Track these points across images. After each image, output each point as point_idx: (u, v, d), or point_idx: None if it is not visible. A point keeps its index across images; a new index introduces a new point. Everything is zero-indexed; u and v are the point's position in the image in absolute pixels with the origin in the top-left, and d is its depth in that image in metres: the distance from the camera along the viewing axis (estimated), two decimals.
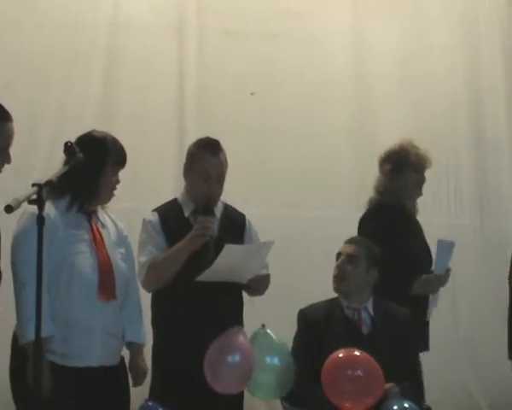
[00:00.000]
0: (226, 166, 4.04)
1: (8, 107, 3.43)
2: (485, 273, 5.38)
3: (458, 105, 5.80)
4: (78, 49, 5.30)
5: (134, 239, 3.90)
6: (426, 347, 4.39)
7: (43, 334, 3.04)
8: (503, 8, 5.95)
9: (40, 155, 5.05)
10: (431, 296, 4.24)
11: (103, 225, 3.64)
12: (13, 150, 3.52)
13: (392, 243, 4.17)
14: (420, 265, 4.27)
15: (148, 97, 5.32)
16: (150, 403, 3.61)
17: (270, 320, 4.02)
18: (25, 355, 3.28)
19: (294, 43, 5.56)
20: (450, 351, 5.28)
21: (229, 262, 3.74)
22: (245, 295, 4.07)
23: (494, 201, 5.31)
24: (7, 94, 5.01)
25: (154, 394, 3.85)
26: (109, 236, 3.63)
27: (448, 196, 5.61)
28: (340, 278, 4.03)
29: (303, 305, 4.12)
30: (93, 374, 3.45)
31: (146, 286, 3.90)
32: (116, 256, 3.61)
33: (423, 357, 4.25)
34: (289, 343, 4.02)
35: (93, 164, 3.49)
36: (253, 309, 4.12)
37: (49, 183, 2.96)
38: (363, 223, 4.42)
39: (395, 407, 3.66)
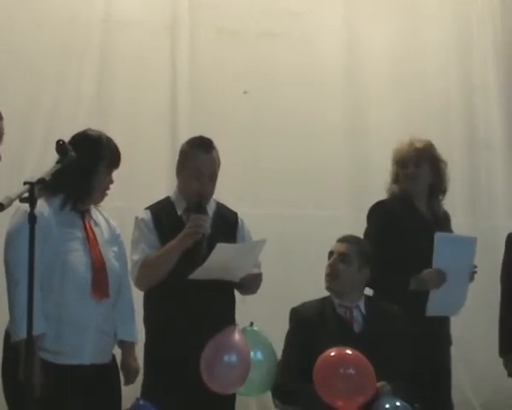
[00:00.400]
0: (219, 165, 4.05)
1: (0, 104, 3.42)
2: (477, 273, 5.39)
3: (451, 104, 5.80)
4: (72, 46, 5.28)
5: (127, 237, 3.90)
6: (449, 342, 4.40)
7: (36, 332, 3.07)
8: (496, 7, 5.95)
9: (33, 153, 5.03)
10: (431, 291, 4.20)
11: (96, 224, 3.64)
12: (6, 148, 3.53)
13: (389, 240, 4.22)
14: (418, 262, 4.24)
15: (141, 95, 5.32)
16: (141, 402, 3.62)
17: (265, 319, 4.04)
18: (17, 353, 3.28)
19: (288, 42, 5.56)
20: None
21: (221, 261, 3.74)
22: (237, 293, 4.07)
23: (487, 200, 5.32)
24: (0, 91, 5.03)
25: (145, 392, 3.85)
26: (102, 234, 3.63)
27: None
28: (332, 277, 4.04)
29: (296, 303, 4.13)
30: (85, 372, 3.46)
31: (138, 284, 3.90)
32: (109, 255, 3.61)
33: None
34: (282, 342, 4.03)
35: (87, 163, 3.50)
36: (248, 308, 4.13)
37: (40, 181, 2.96)
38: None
39: (387, 406, 3.66)
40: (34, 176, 2.98)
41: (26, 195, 2.92)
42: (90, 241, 3.55)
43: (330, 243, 4.16)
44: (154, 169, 4.62)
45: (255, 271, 3.98)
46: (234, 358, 3.65)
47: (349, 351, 3.68)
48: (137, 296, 3.92)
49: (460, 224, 5.01)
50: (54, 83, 5.22)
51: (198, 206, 3.93)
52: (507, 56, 5.92)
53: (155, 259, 3.87)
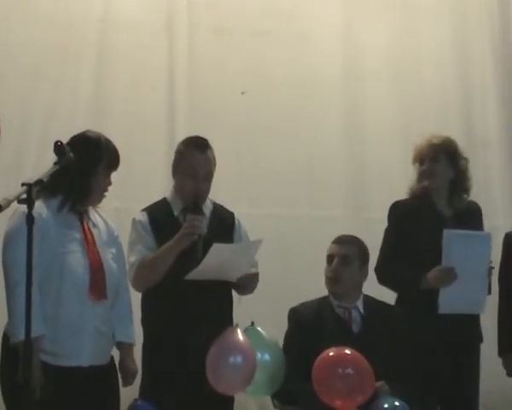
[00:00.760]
0: (214, 164, 4.05)
1: None
2: None
3: (448, 102, 5.80)
4: (69, 46, 5.26)
5: (125, 239, 3.90)
6: (481, 339, 4.40)
7: (35, 333, 3.06)
8: (493, 5, 5.95)
9: (31, 154, 5.02)
10: (441, 289, 4.17)
11: (94, 225, 3.63)
12: (3, 149, 3.53)
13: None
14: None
15: (139, 95, 5.30)
16: (140, 403, 3.62)
17: (262, 319, 4.02)
18: (16, 354, 3.27)
19: (285, 41, 5.54)
20: None
21: (217, 261, 3.74)
22: (234, 294, 4.07)
23: (484, 199, 5.30)
24: None
25: (143, 393, 3.85)
26: (100, 235, 3.63)
27: None
28: (334, 281, 4.03)
29: (295, 303, 4.13)
30: (83, 374, 3.45)
31: (135, 286, 3.90)
32: (107, 256, 3.61)
33: None
34: (280, 341, 4.03)
35: (85, 165, 3.50)
36: (245, 308, 4.12)
37: (38, 182, 2.96)
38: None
39: (385, 406, 3.67)
40: (32, 177, 2.98)
41: (24, 196, 2.92)
42: (89, 242, 3.55)
43: (328, 243, 4.16)
44: (152, 170, 4.62)
45: (252, 270, 3.98)
46: (239, 359, 3.64)
47: (348, 351, 3.68)
48: (135, 298, 3.92)
49: None
50: (51, 83, 5.20)
51: (194, 206, 3.93)
52: (504, 55, 5.91)
53: (152, 260, 3.87)
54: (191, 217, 3.87)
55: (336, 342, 3.75)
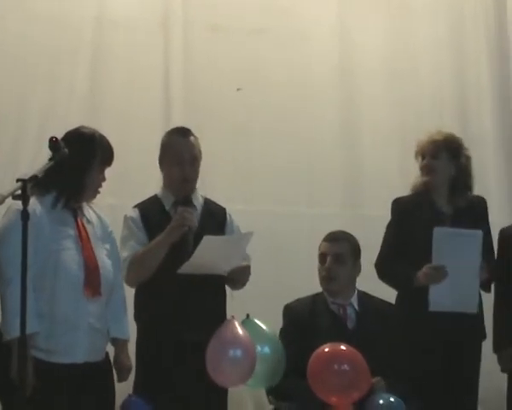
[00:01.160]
0: (199, 151, 4.08)
1: None
2: None
3: (444, 101, 5.80)
4: (65, 44, 5.26)
5: (119, 235, 3.92)
6: (484, 336, 4.40)
7: (29, 331, 3.04)
8: (489, 4, 5.95)
9: (27, 151, 5.01)
10: (431, 286, 4.18)
11: (88, 221, 3.63)
12: None
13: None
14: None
15: (134, 93, 5.30)
16: (134, 398, 3.64)
17: (257, 315, 4.02)
18: (9, 351, 3.27)
19: (281, 39, 5.54)
20: None
21: (208, 253, 3.76)
22: (228, 288, 4.07)
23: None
24: None
25: (137, 389, 3.86)
26: (94, 232, 3.63)
27: None
28: (329, 279, 4.03)
29: (289, 300, 4.13)
30: (78, 370, 3.45)
31: (128, 281, 3.91)
32: (101, 252, 3.60)
33: None
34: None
35: (80, 161, 3.49)
36: (240, 304, 4.13)
37: (33, 178, 2.96)
38: None
39: (381, 401, 3.68)
40: (27, 173, 2.98)
41: (19, 192, 2.92)
42: (83, 239, 3.54)
43: None
44: (147, 167, 4.59)
45: (243, 263, 3.98)
46: (239, 352, 3.66)
47: (343, 347, 3.69)
48: (129, 293, 3.93)
49: None
50: (47, 81, 5.20)
51: (185, 199, 3.95)
52: (500, 54, 5.91)
53: (143, 254, 3.88)
54: (181, 209, 3.89)
55: (331, 338, 3.76)
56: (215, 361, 3.64)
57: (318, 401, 3.65)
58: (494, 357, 4.50)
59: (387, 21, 5.78)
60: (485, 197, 4.63)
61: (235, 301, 4.17)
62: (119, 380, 3.70)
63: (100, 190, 3.65)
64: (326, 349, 3.68)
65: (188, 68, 5.41)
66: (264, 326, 3.89)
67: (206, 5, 5.45)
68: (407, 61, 5.76)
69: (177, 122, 5.20)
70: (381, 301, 4.17)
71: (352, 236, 4.14)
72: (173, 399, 3.77)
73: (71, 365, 3.44)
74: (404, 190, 4.56)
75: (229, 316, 3.91)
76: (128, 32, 5.33)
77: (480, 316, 4.37)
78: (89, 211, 3.67)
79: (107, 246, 3.67)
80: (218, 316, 3.86)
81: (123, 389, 3.76)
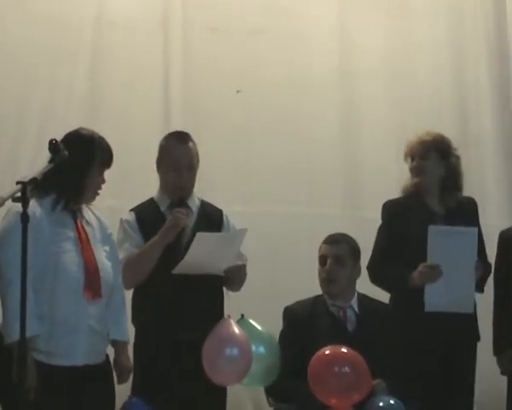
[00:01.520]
0: (197, 157, 4.08)
1: None
2: None
3: (443, 102, 5.79)
4: (64, 45, 5.26)
5: None
6: (477, 338, 4.37)
7: (29, 333, 3.04)
8: (489, 4, 5.94)
9: (26, 152, 5.01)
10: (426, 286, 4.16)
11: (88, 223, 3.62)
12: None
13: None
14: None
15: (133, 94, 5.30)
16: (134, 400, 3.64)
17: (256, 316, 4.02)
18: (10, 354, 3.26)
19: (280, 40, 5.54)
20: None
21: (202, 251, 3.77)
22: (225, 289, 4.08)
23: (478, 198, 5.30)
24: None
25: (135, 390, 3.87)
26: (94, 233, 3.62)
27: None
28: (329, 281, 4.03)
29: (289, 302, 4.13)
30: (78, 372, 3.44)
31: (124, 283, 3.88)
32: (101, 254, 3.59)
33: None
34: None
35: (79, 163, 3.48)
36: (238, 305, 4.13)
37: (33, 180, 2.96)
38: None
39: (381, 404, 3.68)
40: (27, 175, 2.98)
41: (19, 194, 2.91)
42: (82, 241, 3.53)
43: None
44: (147, 168, 4.59)
45: (238, 262, 3.98)
46: (236, 351, 3.67)
47: (344, 349, 3.69)
48: (128, 295, 3.93)
49: None
50: (47, 81, 5.20)
51: (180, 201, 3.95)
52: (499, 55, 5.90)
53: (137, 256, 3.90)
54: (175, 210, 3.90)
55: (331, 340, 3.76)
56: (211, 360, 3.65)
57: (318, 403, 3.65)
58: (493, 360, 4.50)
59: (387, 21, 5.77)
60: (483, 199, 4.63)
61: (234, 302, 4.18)
62: (120, 382, 3.69)
63: (99, 192, 3.64)
64: (327, 352, 3.68)
65: (187, 69, 5.41)
66: (258, 326, 3.89)
67: (205, 5, 5.45)
68: (407, 62, 5.76)
69: (177, 123, 5.22)
70: (381, 303, 4.17)
71: (351, 238, 4.13)
72: (171, 399, 3.77)
73: (71, 367, 3.43)
74: None
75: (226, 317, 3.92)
76: (128, 32, 5.33)
77: (473, 317, 4.34)
78: (88, 213, 3.66)
79: (107, 248, 3.66)
80: (215, 316, 3.87)
81: (122, 391, 3.76)
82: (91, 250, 3.54)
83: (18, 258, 2.95)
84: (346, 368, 3.63)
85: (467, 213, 4.43)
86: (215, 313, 3.94)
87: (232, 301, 4.18)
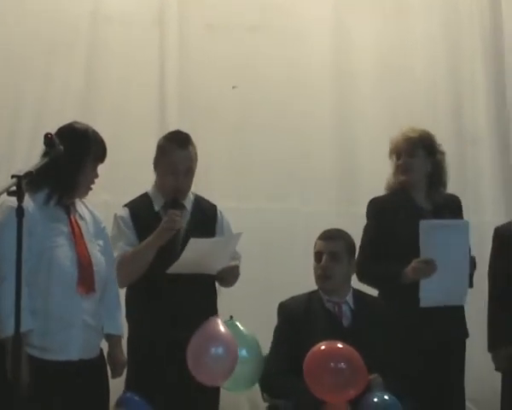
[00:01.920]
0: (195, 160, 4.07)
1: None
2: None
3: (438, 99, 5.80)
4: (60, 39, 5.26)
5: None
6: (466, 334, 4.37)
7: (22, 328, 3.03)
8: (485, 2, 5.94)
9: (21, 147, 5.01)
10: (421, 281, 4.14)
11: (81, 217, 3.61)
12: None
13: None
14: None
15: (129, 89, 5.30)
16: (128, 394, 3.64)
17: (250, 313, 4.03)
18: (3, 350, 3.26)
19: (276, 37, 5.54)
20: None
21: (196, 255, 3.78)
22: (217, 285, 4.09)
23: (473, 194, 5.32)
24: None
25: (129, 386, 3.88)
26: (87, 228, 3.60)
27: None
28: (324, 278, 4.02)
29: (284, 298, 4.12)
30: (73, 368, 3.43)
31: (117, 282, 3.89)
32: (95, 249, 3.58)
33: None
34: (269, 336, 4.03)
35: (73, 157, 3.46)
36: (233, 301, 4.13)
37: (28, 174, 2.95)
38: None
39: (375, 399, 3.67)
40: (22, 169, 2.97)
41: (14, 188, 2.90)
42: (76, 235, 3.52)
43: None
44: (142, 163, 4.60)
45: (232, 263, 3.99)
46: (221, 350, 3.65)
47: (340, 345, 3.68)
48: (123, 291, 3.93)
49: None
50: (42, 76, 5.20)
51: (174, 202, 3.95)
52: (495, 50, 5.91)
53: (132, 256, 3.90)
54: (170, 212, 3.89)
55: (327, 336, 3.75)
56: (196, 358, 3.63)
57: (314, 399, 3.64)
58: (487, 356, 4.50)
59: (383, 19, 5.78)
60: (478, 196, 4.63)
61: (229, 299, 4.18)
62: (114, 376, 3.69)
63: (92, 186, 3.63)
64: (322, 347, 3.67)
65: (183, 64, 5.41)
66: (244, 329, 3.87)
67: (201, 1, 5.46)
68: (402, 59, 5.77)
69: (172, 118, 5.22)
70: (377, 298, 4.16)
71: (347, 234, 4.13)
72: (165, 397, 3.77)
73: (65, 362, 3.43)
74: None
75: (220, 313, 3.92)
76: (123, 27, 5.33)
77: (462, 313, 4.33)
78: (81, 207, 3.65)
79: (101, 242, 3.65)
80: (209, 314, 3.86)
81: (116, 386, 3.77)
82: (85, 245, 3.53)
83: (12, 252, 2.94)
84: (342, 364, 3.62)
85: (453, 209, 4.43)
86: (208, 311, 3.93)
87: (226, 298, 4.18)
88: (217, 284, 4.11)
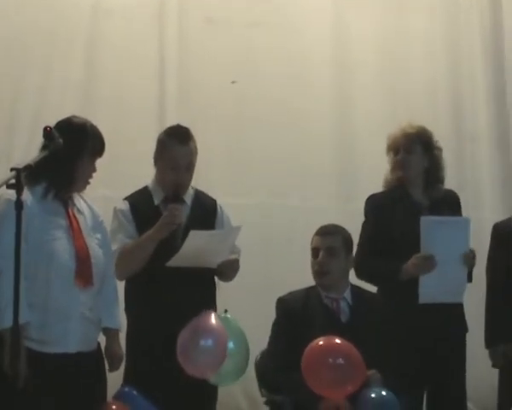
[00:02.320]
0: (196, 155, 4.06)
1: None
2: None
3: (437, 94, 5.80)
4: (60, 32, 5.26)
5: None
6: (466, 329, 4.36)
7: (20, 320, 3.02)
8: None
9: (20, 140, 5.01)
10: (421, 278, 4.13)
11: (79, 211, 3.60)
12: None
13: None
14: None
15: (128, 82, 5.30)
16: (126, 389, 3.63)
17: (250, 308, 4.03)
18: (1, 342, 3.26)
19: (276, 31, 5.54)
20: None
21: (196, 247, 3.78)
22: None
23: (472, 191, 5.32)
24: None
25: (127, 379, 3.88)
26: (85, 221, 3.60)
27: None
28: (322, 273, 4.02)
29: (282, 294, 4.12)
30: (70, 360, 3.43)
31: (116, 274, 3.89)
32: (93, 242, 3.58)
33: None
34: (267, 331, 4.03)
35: (71, 151, 3.45)
36: (231, 296, 4.12)
37: (27, 167, 2.95)
38: None
39: (373, 395, 3.68)
40: (21, 162, 2.97)
41: (13, 181, 2.90)
42: (74, 229, 3.52)
43: None
44: (141, 158, 4.61)
45: (231, 257, 3.98)
46: (210, 342, 3.64)
47: (338, 340, 3.68)
48: (120, 284, 3.93)
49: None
50: (42, 69, 5.20)
51: (174, 196, 3.95)
52: (494, 47, 5.91)
53: (131, 249, 3.90)
54: (171, 206, 3.90)
55: (325, 331, 3.75)
56: (185, 349, 3.63)
57: (312, 394, 3.64)
58: (485, 352, 4.50)
59: (382, 14, 5.79)
60: (477, 193, 4.63)
61: (227, 294, 4.18)
62: (111, 370, 3.69)
63: (90, 180, 3.62)
64: (320, 343, 3.67)
65: (183, 58, 5.41)
66: (234, 323, 3.84)
67: None
68: (401, 55, 5.78)
69: (172, 112, 5.22)
70: (374, 294, 4.16)
71: (344, 229, 4.12)
72: (163, 391, 3.77)
73: (63, 354, 3.42)
74: None
75: (219, 308, 3.92)
76: (124, 20, 5.34)
77: (461, 308, 4.32)
78: (79, 201, 3.64)
79: (99, 236, 3.65)
80: (208, 307, 3.85)
81: (114, 380, 3.76)
82: (83, 238, 3.53)
83: (9, 246, 2.95)
84: (340, 359, 3.63)
85: (451, 204, 4.42)
86: (207, 305, 3.92)
87: (225, 293, 4.18)
88: (216, 279, 4.11)
